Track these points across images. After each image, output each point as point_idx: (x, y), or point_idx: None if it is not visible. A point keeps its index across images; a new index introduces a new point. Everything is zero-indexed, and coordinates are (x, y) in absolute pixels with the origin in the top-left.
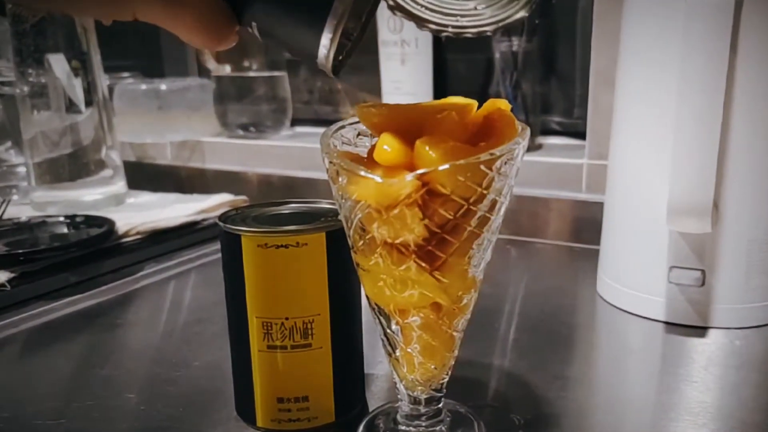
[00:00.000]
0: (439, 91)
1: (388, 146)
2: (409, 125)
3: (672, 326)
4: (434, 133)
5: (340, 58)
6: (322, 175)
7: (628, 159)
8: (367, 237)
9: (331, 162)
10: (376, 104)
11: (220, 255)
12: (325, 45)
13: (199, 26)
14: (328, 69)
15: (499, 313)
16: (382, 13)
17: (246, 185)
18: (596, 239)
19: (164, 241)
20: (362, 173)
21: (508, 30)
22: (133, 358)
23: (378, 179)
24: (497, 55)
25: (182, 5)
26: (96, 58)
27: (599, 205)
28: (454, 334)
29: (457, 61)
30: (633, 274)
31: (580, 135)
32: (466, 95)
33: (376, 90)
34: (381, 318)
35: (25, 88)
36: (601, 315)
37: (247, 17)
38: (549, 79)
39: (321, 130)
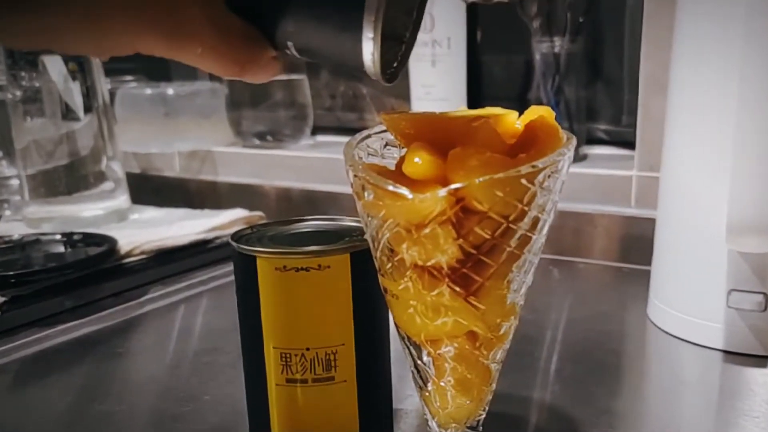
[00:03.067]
0: (474, 97)
1: (419, 158)
2: (441, 135)
3: (731, 355)
4: (469, 143)
5: (395, 65)
6: (346, 189)
7: (682, 171)
8: (396, 259)
9: (355, 175)
10: (405, 112)
11: (233, 277)
12: (369, 48)
13: (215, 56)
14: (379, 74)
15: (540, 341)
16: None
17: (262, 200)
18: (646, 259)
19: (171, 262)
20: (390, 188)
21: (550, 29)
22: (137, 391)
23: (408, 195)
24: (537, 57)
25: (189, 36)
26: (96, 60)
27: (650, 222)
28: (492, 365)
29: (493, 64)
30: (688, 297)
31: (629, 144)
32: (503, 100)
33: (404, 95)
34: (411, 348)
35: (18, 93)
36: (652, 342)
37: (280, 37)
38: (594, 84)
39: (344, 139)
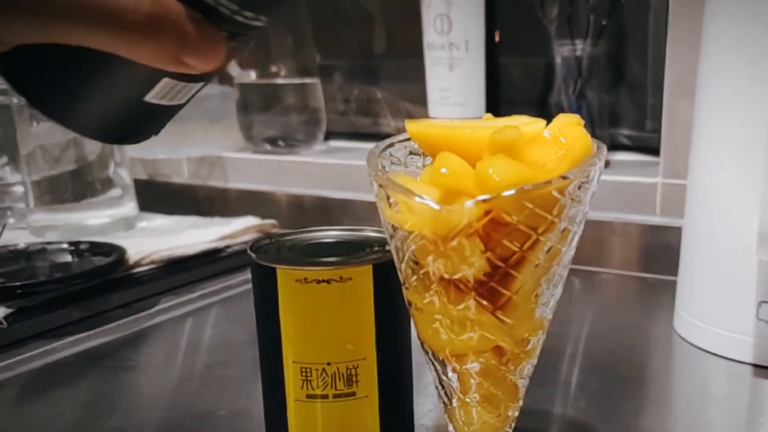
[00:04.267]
0: (493, 102)
1: (445, 168)
2: (468, 144)
3: (761, 369)
4: (497, 153)
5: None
6: (360, 196)
7: (710, 178)
8: (421, 272)
9: (380, 185)
10: (430, 120)
11: (245, 287)
12: None
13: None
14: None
15: (564, 354)
16: (428, 13)
17: (274, 207)
18: (672, 269)
19: (182, 272)
20: (416, 199)
21: (571, 32)
22: (147, 406)
23: (434, 206)
24: (558, 60)
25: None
26: None
27: (675, 231)
28: (519, 381)
29: (512, 67)
30: (716, 309)
31: (654, 151)
32: (523, 105)
33: (421, 99)
34: (435, 363)
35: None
36: (678, 356)
37: None
38: (617, 88)
39: (358, 144)
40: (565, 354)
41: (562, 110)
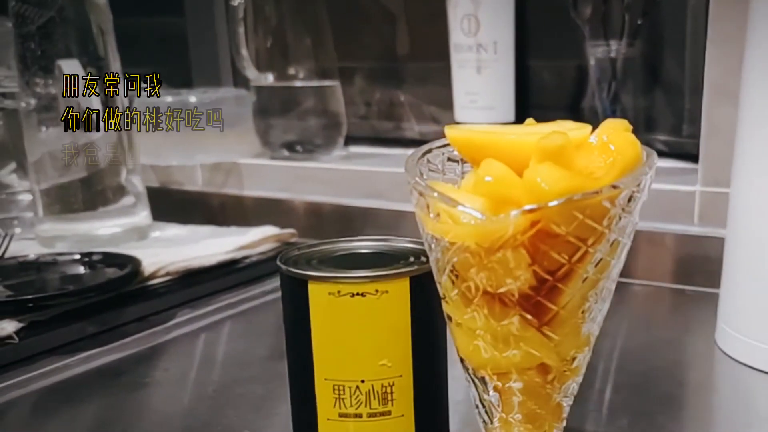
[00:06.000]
0: (522, 105)
1: (490, 176)
2: (513, 151)
3: None
4: (544, 160)
5: None
6: (382, 204)
7: (756, 187)
8: (463, 285)
9: (420, 194)
10: (471, 126)
11: (264, 299)
12: None
13: None
14: None
15: (599, 370)
16: (455, 13)
17: (291, 216)
18: (711, 281)
19: (199, 284)
20: (460, 208)
21: (605, 32)
22: (165, 425)
23: (478, 216)
24: (592, 63)
25: None
26: (115, 65)
27: (715, 241)
28: (563, 400)
29: (543, 70)
30: (761, 323)
31: (692, 157)
32: (554, 109)
33: (446, 103)
34: (476, 381)
35: (31, 101)
36: (721, 372)
37: None
38: (654, 91)
39: (380, 150)
40: (602, 370)
41: (595, 114)
